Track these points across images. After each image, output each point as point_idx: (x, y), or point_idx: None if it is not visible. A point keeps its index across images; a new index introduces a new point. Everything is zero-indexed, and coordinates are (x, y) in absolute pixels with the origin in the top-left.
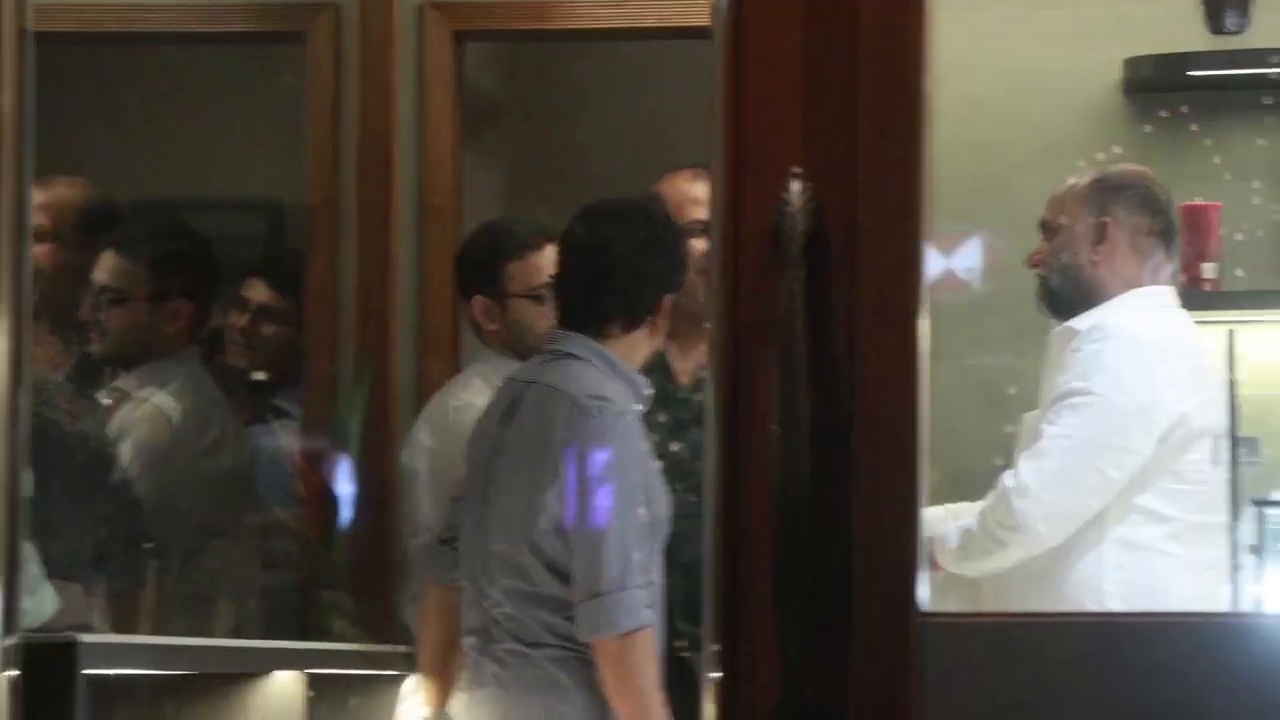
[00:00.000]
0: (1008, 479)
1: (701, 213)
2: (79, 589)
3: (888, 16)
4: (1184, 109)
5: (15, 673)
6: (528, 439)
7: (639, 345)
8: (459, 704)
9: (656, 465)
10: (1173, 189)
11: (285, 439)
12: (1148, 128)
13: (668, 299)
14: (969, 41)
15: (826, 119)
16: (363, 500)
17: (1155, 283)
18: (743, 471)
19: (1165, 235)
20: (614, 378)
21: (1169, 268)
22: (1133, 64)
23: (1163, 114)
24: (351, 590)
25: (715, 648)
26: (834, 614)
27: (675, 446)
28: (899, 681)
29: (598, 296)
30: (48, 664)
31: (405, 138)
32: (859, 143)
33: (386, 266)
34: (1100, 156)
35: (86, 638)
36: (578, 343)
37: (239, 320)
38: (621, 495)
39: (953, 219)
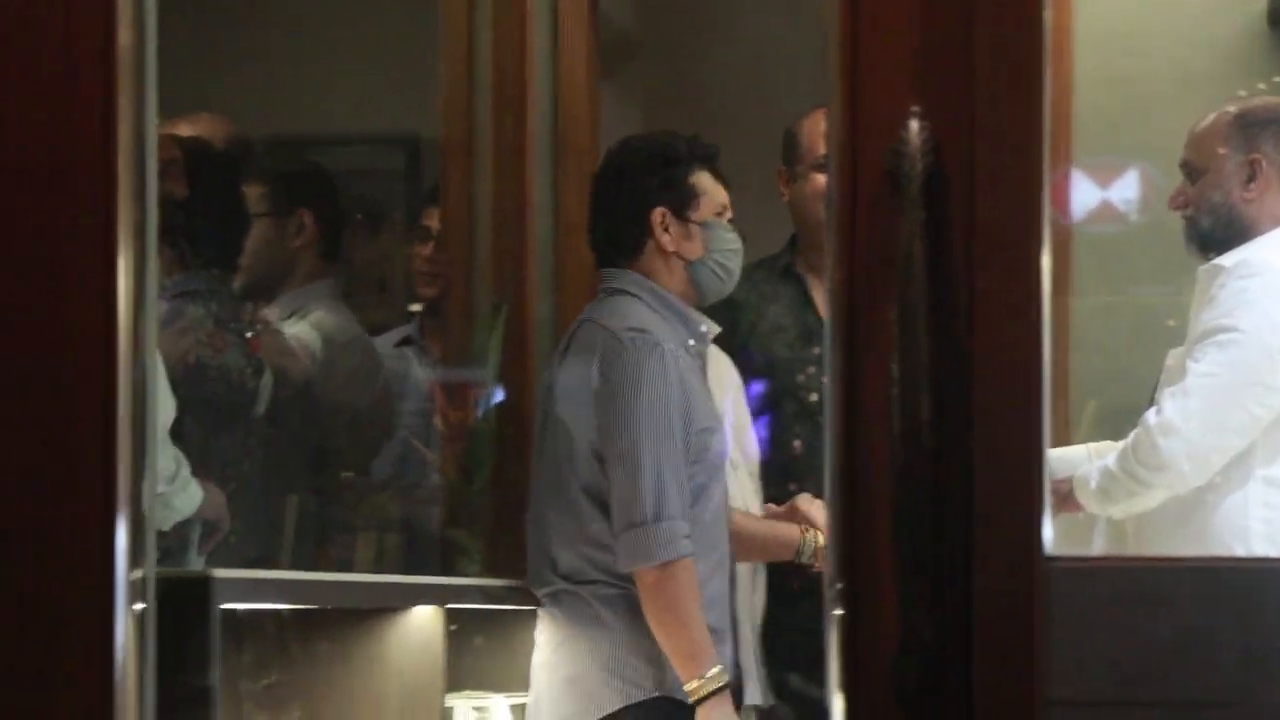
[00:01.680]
0: (1151, 417)
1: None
2: (222, 495)
3: None
4: None
5: (141, 606)
6: (574, 376)
7: (658, 269)
8: (536, 641)
9: (723, 399)
10: None
11: (426, 369)
12: None
13: (656, 214)
14: None
15: (944, 56)
16: (501, 436)
17: None
18: (862, 412)
19: None
20: (661, 310)
21: None
22: None
23: None
24: (488, 526)
25: (838, 586)
26: (956, 557)
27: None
28: (1023, 627)
29: (594, 233)
30: (184, 597)
31: (540, 73)
32: (977, 80)
33: (522, 201)
34: (1242, 93)
35: (221, 572)
36: (628, 279)
37: (423, 250)
38: (657, 426)
39: (1101, 152)
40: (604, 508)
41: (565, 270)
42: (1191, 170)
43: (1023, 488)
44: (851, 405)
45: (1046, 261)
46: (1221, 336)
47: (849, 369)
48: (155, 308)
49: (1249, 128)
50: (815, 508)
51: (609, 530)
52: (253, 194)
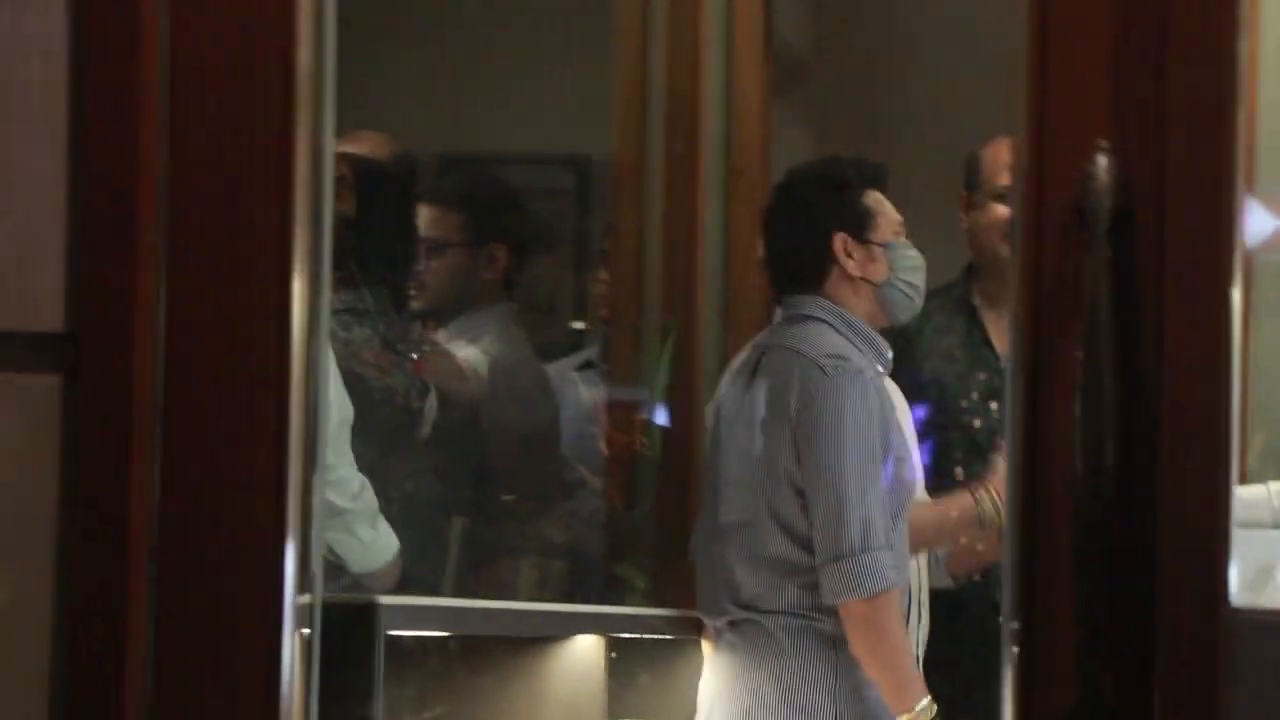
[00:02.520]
0: None
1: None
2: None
3: None
4: None
5: (307, 630)
6: (764, 402)
7: (844, 294)
8: (705, 672)
9: (904, 426)
10: None
11: (595, 393)
12: None
13: (837, 240)
14: None
15: (1135, 89)
16: (666, 462)
17: None
18: (1043, 451)
19: None
20: (852, 337)
21: None
22: None
23: None
24: (651, 554)
25: (1014, 625)
26: (1138, 607)
27: (994, 405)
28: (1207, 682)
29: (773, 262)
30: (347, 623)
31: (713, 94)
32: (1168, 114)
33: (693, 224)
34: None
35: (386, 599)
36: (816, 305)
37: (604, 274)
38: (863, 456)
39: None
40: (794, 536)
41: (735, 294)
42: None
43: (1208, 536)
44: (1032, 444)
45: (1238, 302)
46: None
47: (1030, 407)
48: (328, 330)
49: None
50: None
51: (799, 559)
52: (449, 222)
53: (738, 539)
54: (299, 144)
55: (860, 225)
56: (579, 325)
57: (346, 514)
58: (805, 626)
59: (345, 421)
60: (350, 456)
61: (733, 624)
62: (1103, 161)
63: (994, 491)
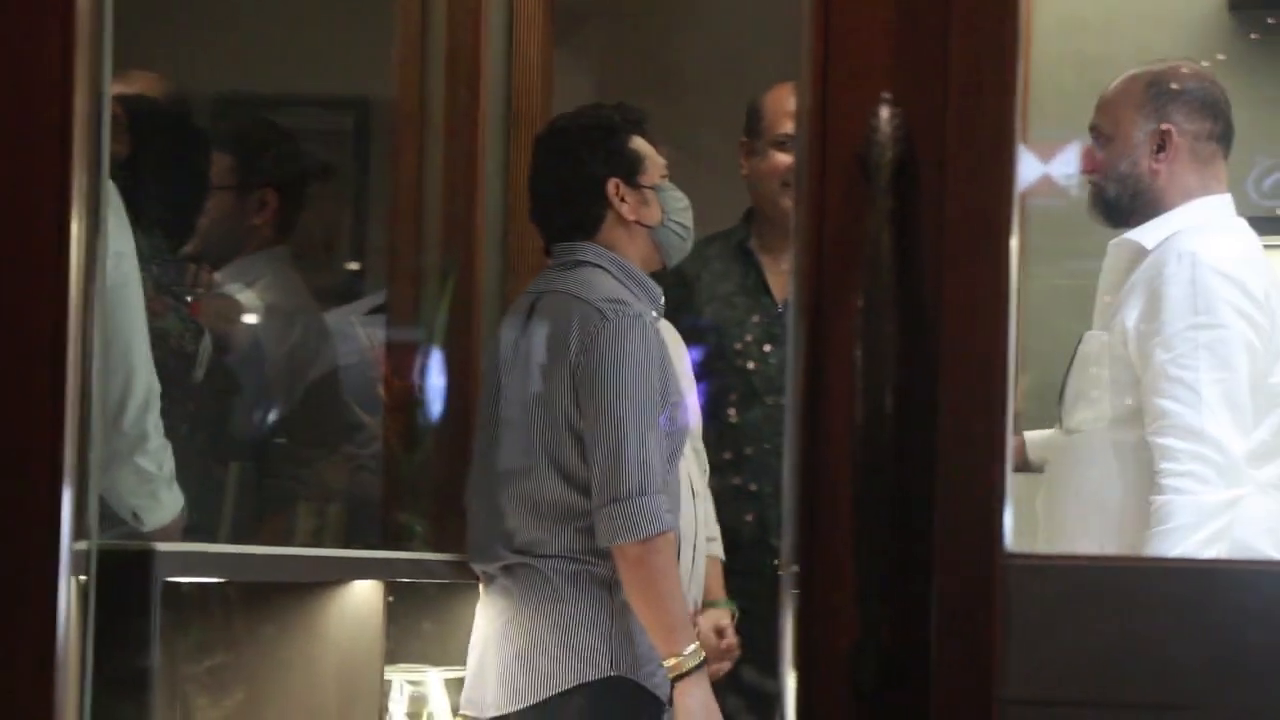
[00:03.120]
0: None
1: (793, 127)
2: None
3: None
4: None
5: (84, 577)
6: (543, 347)
7: (619, 239)
8: (477, 616)
9: (681, 369)
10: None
11: (375, 338)
12: (1254, 35)
13: (610, 185)
14: None
15: (918, 41)
16: (446, 405)
17: (1214, 190)
18: (824, 400)
19: (1225, 140)
20: (627, 281)
21: (1225, 173)
22: None
23: (1271, 21)
24: (429, 497)
25: (794, 569)
26: (916, 551)
27: (768, 348)
28: (982, 623)
29: (544, 212)
30: (124, 571)
31: (494, 38)
32: (950, 68)
33: (473, 168)
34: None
35: (163, 546)
36: (590, 250)
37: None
38: (642, 400)
39: (1054, 128)
40: (571, 480)
41: (516, 238)
42: (1100, 136)
43: (985, 482)
44: (814, 393)
45: (1015, 252)
46: (1203, 334)
47: (812, 354)
48: (105, 275)
49: (1160, 96)
50: (714, 635)
51: (575, 503)
52: (219, 165)
53: (514, 484)
54: (78, 84)
55: (631, 169)
56: (354, 267)
57: (154, 480)
58: (581, 570)
59: (156, 391)
60: (161, 425)
61: (506, 568)
62: (886, 113)
63: (700, 641)
